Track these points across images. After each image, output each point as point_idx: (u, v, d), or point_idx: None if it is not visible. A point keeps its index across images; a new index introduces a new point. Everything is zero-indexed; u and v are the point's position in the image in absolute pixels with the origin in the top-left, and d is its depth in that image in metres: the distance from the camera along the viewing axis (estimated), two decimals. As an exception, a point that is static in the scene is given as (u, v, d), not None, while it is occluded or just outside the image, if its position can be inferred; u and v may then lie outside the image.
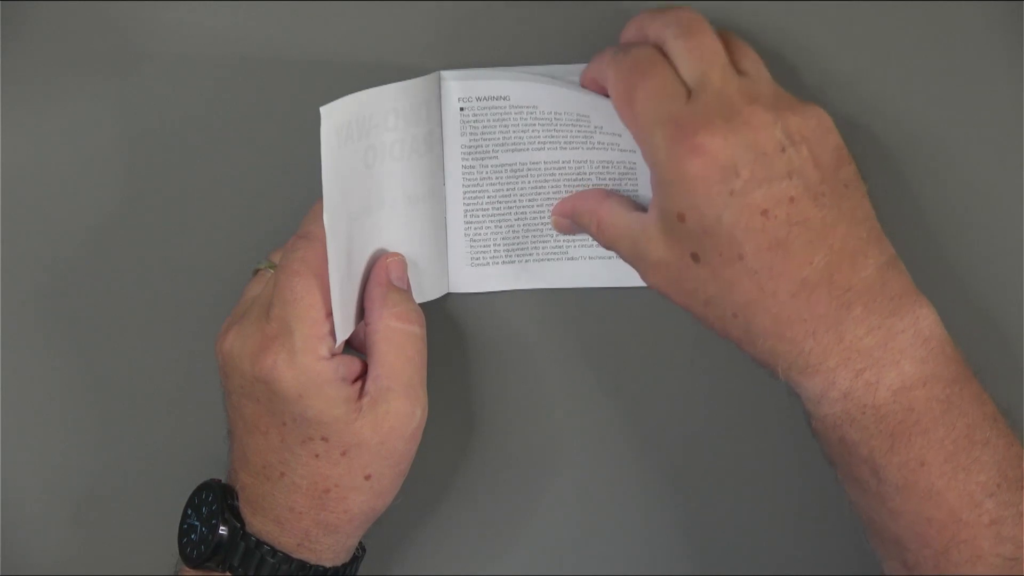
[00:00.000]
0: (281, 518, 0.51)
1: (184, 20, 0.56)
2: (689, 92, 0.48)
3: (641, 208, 0.52)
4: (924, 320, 0.48)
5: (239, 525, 0.52)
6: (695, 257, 0.48)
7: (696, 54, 0.48)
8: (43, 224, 0.58)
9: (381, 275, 0.52)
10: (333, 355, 0.50)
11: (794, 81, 0.56)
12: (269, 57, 0.56)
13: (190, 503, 0.54)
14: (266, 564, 0.51)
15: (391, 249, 0.54)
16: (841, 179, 0.48)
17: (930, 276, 0.56)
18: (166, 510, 0.56)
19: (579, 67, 0.54)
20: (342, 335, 0.51)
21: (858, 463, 0.48)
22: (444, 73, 0.54)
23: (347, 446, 0.50)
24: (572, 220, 0.55)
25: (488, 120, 0.55)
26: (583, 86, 0.53)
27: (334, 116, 0.49)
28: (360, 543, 0.55)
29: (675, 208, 0.47)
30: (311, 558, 0.52)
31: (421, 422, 0.51)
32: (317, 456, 0.50)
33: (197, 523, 0.52)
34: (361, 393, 0.50)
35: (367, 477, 0.51)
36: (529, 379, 0.59)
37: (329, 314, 0.50)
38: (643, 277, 0.51)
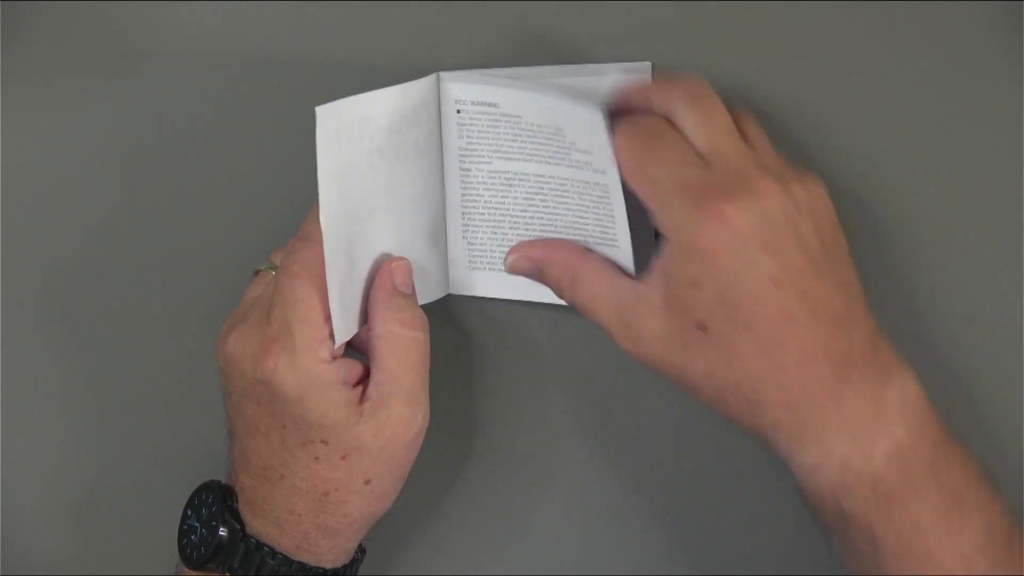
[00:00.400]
0: (280, 520, 0.51)
1: (184, 20, 0.56)
2: (702, 161, 0.48)
3: (626, 274, 0.51)
4: (909, 387, 0.49)
5: (239, 527, 0.52)
6: (702, 327, 0.47)
7: (707, 123, 0.49)
8: (43, 224, 0.58)
9: (385, 280, 0.52)
10: (334, 358, 0.50)
11: (794, 80, 0.56)
12: (269, 58, 0.56)
13: (190, 504, 0.54)
14: (266, 566, 0.51)
15: (395, 251, 0.54)
16: (836, 250, 0.49)
17: (928, 276, 0.57)
18: (166, 510, 0.56)
19: (580, 67, 0.54)
20: (341, 337, 0.50)
21: (856, 533, 0.48)
22: (443, 74, 0.54)
23: (347, 450, 0.50)
24: (537, 267, 0.53)
25: (482, 125, 0.54)
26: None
27: (331, 117, 0.49)
28: (360, 544, 0.55)
29: (690, 275, 0.47)
30: (310, 560, 0.52)
31: (422, 428, 0.51)
32: (317, 459, 0.50)
33: (197, 524, 0.52)
34: (363, 398, 0.50)
35: (367, 482, 0.51)
36: (529, 380, 0.59)
37: (330, 316, 0.50)
38: (628, 347, 0.50)
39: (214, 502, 0.52)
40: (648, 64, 0.55)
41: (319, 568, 0.52)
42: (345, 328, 0.51)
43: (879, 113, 0.56)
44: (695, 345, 0.48)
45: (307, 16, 0.56)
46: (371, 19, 0.56)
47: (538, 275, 0.54)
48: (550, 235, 0.55)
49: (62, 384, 0.59)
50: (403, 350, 0.51)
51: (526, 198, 0.55)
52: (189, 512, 0.53)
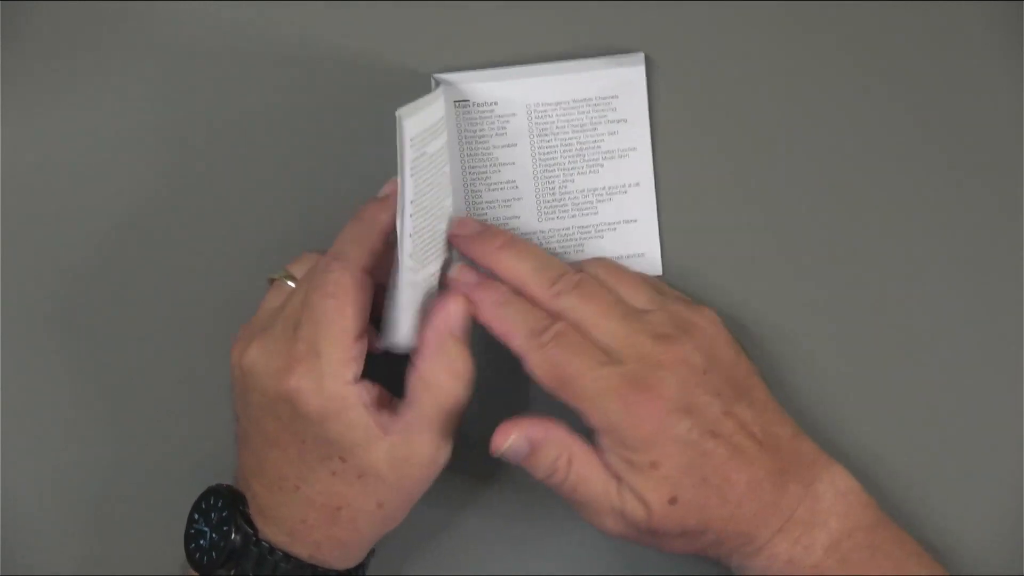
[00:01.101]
0: (293, 530, 0.51)
1: (185, 18, 0.55)
2: (606, 354, 0.51)
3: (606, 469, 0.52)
4: (839, 478, 0.52)
5: (252, 531, 0.52)
6: (673, 500, 0.50)
7: (597, 314, 0.51)
8: (46, 224, 0.58)
9: (440, 323, 0.51)
10: (358, 380, 0.50)
11: (794, 80, 0.56)
12: (275, 55, 0.56)
13: (196, 508, 0.53)
14: (280, 569, 0.51)
15: (439, 265, 0.53)
16: (743, 372, 0.52)
17: (927, 275, 0.57)
18: (168, 512, 0.56)
19: (572, 63, 0.55)
20: (385, 344, 0.51)
21: None
22: (441, 76, 0.55)
23: (363, 471, 0.50)
24: (534, 447, 0.52)
25: (484, 126, 0.55)
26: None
27: (414, 122, 0.48)
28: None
29: (647, 460, 0.50)
30: (321, 566, 0.52)
31: (441, 467, 0.52)
32: (334, 474, 0.50)
33: (206, 528, 0.52)
34: (389, 426, 0.50)
35: (379, 505, 0.51)
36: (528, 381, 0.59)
37: (359, 337, 0.50)
38: (610, 530, 0.52)
39: (224, 507, 0.52)
40: (641, 55, 0.55)
41: (332, 571, 0.52)
42: (391, 339, 0.51)
43: (879, 113, 0.56)
44: (669, 516, 0.50)
45: (309, 13, 0.56)
46: (382, 15, 0.56)
47: (525, 452, 0.53)
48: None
49: (63, 385, 0.59)
50: (442, 396, 0.51)
51: (527, 211, 0.56)
52: (196, 516, 0.53)
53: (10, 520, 0.59)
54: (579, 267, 0.53)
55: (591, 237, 0.57)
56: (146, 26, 0.56)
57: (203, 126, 0.57)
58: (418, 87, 0.55)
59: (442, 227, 0.53)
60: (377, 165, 0.55)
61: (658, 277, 0.57)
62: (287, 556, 0.51)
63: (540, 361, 0.51)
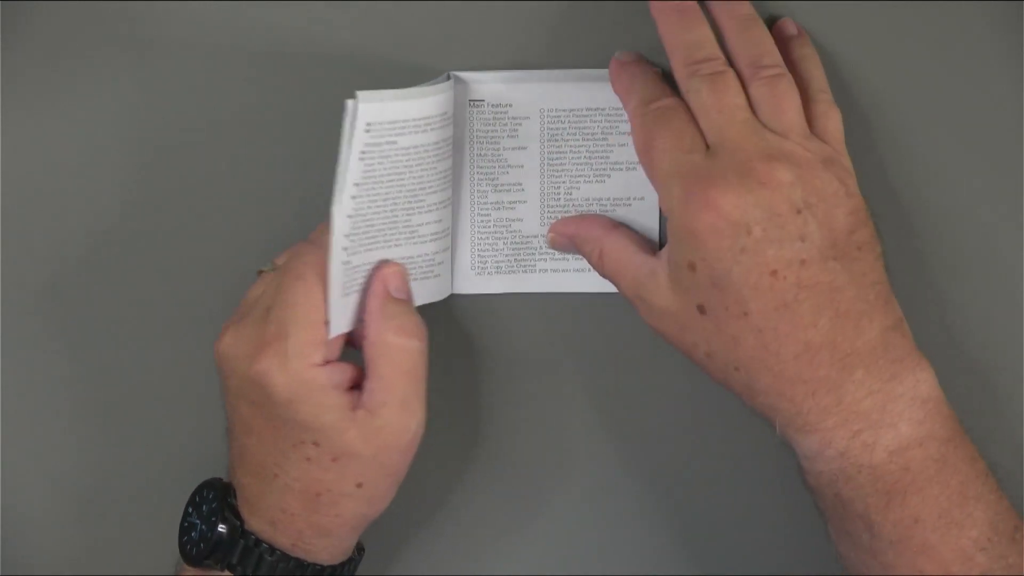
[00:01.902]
0: (275, 519, 0.51)
1: (187, 16, 0.55)
2: (707, 147, 0.49)
3: (647, 248, 0.52)
4: (923, 383, 0.49)
5: (238, 523, 0.52)
6: (701, 309, 0.48)
7: (719, 108, 0.49)
8: (44, 222, 0.58)
9: (378, 287, 0.52)
10: (328, 362, 0.50)
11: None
12: (275, 53, 0.56)
13: (191, 501, 0.54)
14: (264, 563, 0.51)
15: (406, 254, 0.53)
16: (854, 242, 0.48)
17: (928, 276, 0.57)
18: (167, 510, 0.56)
19: (583, 72, 0.55)
20: (335, 331, 0.51)
21: (852, 518, 0.49)
22: (461, 75, 0.54)
23: (338, 453, 0.50)
24: (572, 242, 0.55)
25: (497, 126, 0.55)
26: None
27: (371, 112, 0.49)
28: (359, 543, 0.55)
29: (686, 258, 0.48)
30: (306, 558, 0.52)
31: (417, 434, 0.51)
32: (309, 460, 0.50)
33: (197, 521, 0.53)
34: (356, 404, 0.50)
35: (359, 485, 0.51)
36: (531, 381, 0.59)
37: (310, 321, 0.50)
38: (644, 318, 0.51)
39: (214, 499, 0.52)
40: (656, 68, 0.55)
41: (316, 565, 0.52)
42: (341, 322, 0.51)
43: (879, 113, 0.56)
44: (696, 325, 0.49)
45: (312, 11, 0.56)
46: (383, 13, 0.55)
47: (574, 249, 0.55)
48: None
49: (62, 383, 0.59)
50: (397, 358, 0.50)
51: (537, 201, 0.56)
52: (190, 509, 0.53)
53: (10, 520, 0.59)
54: (756, 62, 0.50)
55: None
56: (146, 26, 0.56)
57: (204, 126, 0.57)
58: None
59: (418, 220, 0.53)
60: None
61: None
62: (271, 548, 0.51)
63: (638, 127, 0.50)
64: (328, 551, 0.52)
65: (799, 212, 0.47)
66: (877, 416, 0.48)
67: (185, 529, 0.53)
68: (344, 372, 0.51)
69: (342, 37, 0.56)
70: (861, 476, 0.48)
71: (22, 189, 0.57)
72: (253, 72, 0.56)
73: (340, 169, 0.49)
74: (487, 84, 0.55)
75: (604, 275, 0.53)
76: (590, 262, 0.54)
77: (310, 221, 0.55)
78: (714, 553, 0.60)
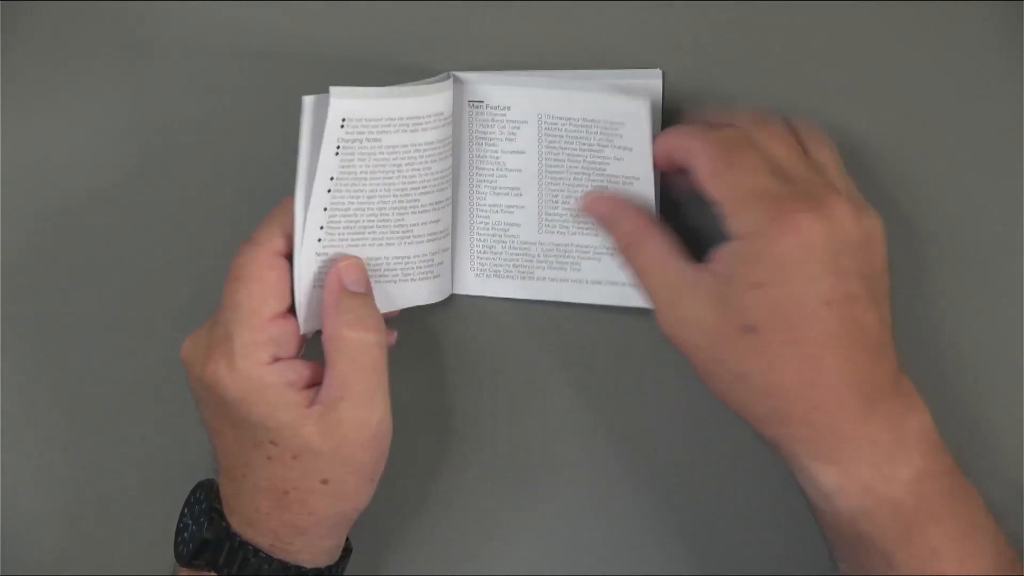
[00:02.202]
0: (251, 518, 0.51)
1: (188, 15, 0.55)
2: (781, 174, 0.49)
3: (686, 256, 0.51)
4: (926, 420, 0.50)
5: (225, 524, 0.52)
6: (748, 328, 0.48)
7: (779, 142, 0.50)
8: (46, 222, 0.58)
9: (333, 281, 0.51)
10: (278, 359, 0.50)
11: (794, 81, 0.56)
12: (275, 52, 0.56)
13: (187, 502, 0.54)
14: (249, 564, 0.51)
15: (400, 254, 0.53)
16: (882, 286, 0.50)
17: (927, 277, 0.56)
18: (165, 510, 0.56)
19: (587, 73, 0.54)
20: (306, 329, 0.51)
21: (872, 556, 0.49)
22: (459, 75, 0.54)
23: (297, 450, 0.50)
24: (601, 222, 0.54)
25: (495, 129, 0.55)
26: (657, 155, 0.53)
27: (345, 108, 0.49)
28: (347, 543, 0.54)
29: (755, 277, 0.48)
30: (286, 559, 0.51)
31: (380, 429, 0.50)
32: (270, 459, 0.50)
33: (190, 521, 0.53)
34: (313, 400, 0.50)
35: (324, 481, 0.50)
36: (528, 383, 0.59)
37: (274, 318, 0.50)
38: (663, 323, 0.50)
39: (204, 499, 0.53)
40: (659, 71, 0.55)
41: (299, 568, 0.52)
42: (310, 322, 0.51)
43: (879, 113, 0.56)
44: (733, 344, 0.48)
45: (312, 11, 0.56)
46: (382, 12, 0.56)
47: (602, 227, 0.54)
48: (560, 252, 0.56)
49: (61, 384, 0.59)
50: (353, 354, 0.50)
51: (536, 205, 0.56)
52: (185, 510, 0.53)
53: (10, 520, 0.59)
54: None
55: (588, 257, 0.56)
56: (146, 26, 0.56)
57: (204, 125, 0.57)
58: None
59: (411, 220, 0.53)
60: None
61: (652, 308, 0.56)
62: (255, 550, 0.51)
63: (707, 146, 0.50)
64: (308, 551, 0.52)
65: (859, 248, 0.49)
66: (895, 449, 0.48)
67: (179, 529, 0.53)
68: (297, 370, 0.51)
69: (342, 37, 0.56)
70: (883, 510, 0.48)
71: (22, 189, 0.57)
72: (253, 72, 0.56)
73: (301, 163, 0.50)
74: (487, 85, 0.54)
75: (628, 264, 0.52)
76: (615, 247, 0.53)
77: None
78: (714, 555, 0.60)
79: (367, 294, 0.52)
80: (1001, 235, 0.56)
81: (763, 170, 0.49)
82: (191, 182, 0.57)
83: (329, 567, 0.53)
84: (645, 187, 0.54)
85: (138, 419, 0.59)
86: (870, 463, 0.48)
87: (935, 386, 0.56)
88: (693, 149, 0.50)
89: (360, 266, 0.52)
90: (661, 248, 0.51)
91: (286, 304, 0.51)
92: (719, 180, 0.49)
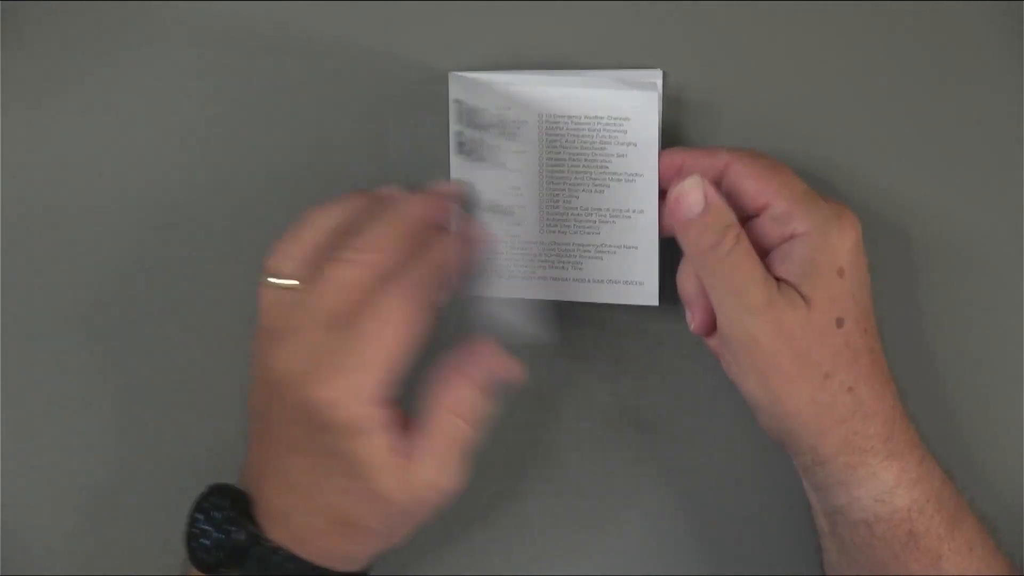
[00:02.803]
0: (298, 536, 0.51)
1: (188, 18, 0.55)
2: None
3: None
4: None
5: (256, 531, 0.51)
6: (840, 322, 0.49)
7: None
8: (47, 223, 0.58)
9: (469, 366, 0.50)
10: (389, 402, 0.49)
11: (793, 81, 0.56)
12: (275, 54, 0.56)
13: (198, 507, 0.52)
14: (284, 569, 0.50)
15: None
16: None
17: (927, 278, 0.57)
18: (166, 510, 0.56)
19: (587, 73, 0.54)
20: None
21: (920, 558, 0.50)
22: (458, 74, 0.54)
23: (375, 494, 0.49)
24: (709, 205, 0.50)
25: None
26: (666, 168, 0.53)
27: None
28: None
29: (838, 263, 0.49)
30: (322, 563, 0.51)
31: (452, 493, 0.50)
32: (346, 492, 0.49)
33: (209, 527, 0.51)
34: (405, 451, 0.49)
35: (386, 526, 0.50)
36: (533, 383, 0.59)
37: (404, 357, 0.48)
38: (754, 327, 0.49)
39: (230, 507, 0.52)
40: (659, 72, 0.55)
41: (337, 572, 0.51)
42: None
43: (879, 113, 0.56)
44: (828, 341, 0.49)
45: (312, 11, 0.56)
46: (383, 12, 0.56)
47: (704, 214, 0.50)
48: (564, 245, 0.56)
49: (62, 383, 0.59)
50: (448, 431, 0.50)
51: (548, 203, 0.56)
52: (199, 515, 0.52)
53: (9, 520, 0.59)
54: None
55: (590, 257, 0.56)
56: (148, 26, 0.56)
57: (206, 125, 0.57)
58: (433, 84, 0.55)
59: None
60: (386, 164, 0.55)
61: (655, 307, 0.56)
62: (292, 556, 0.50)
63: (746, 154, 0.51)
64: (346, 564, 0.52)
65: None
66: (924, 448, 0.51)
67: (194, 535, 0.52)
68: (397, 414, 0.49)
69: (342, 37, 0.56)
70: (930, 504, 0.50)
71: (23, 189, 0.57)
72: (254, 72, 0.56)
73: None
74: (486, 84, 0.54)
75: (719, 265, 0.50)
76: (703, 244, 0.50)
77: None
78: (720, 556, 0.60)
79: (488, 391, 0.50)
80: (1001, 235, 0.56)
81: (799, 178, 0.51)
82: (192, 182, 0.57)
83: (358, 571, 0.53)
84: (649, 184, 0.54)
85: (139, 419, 0.59)
86: (916, 457, 0.50)
87: (933, 386, 0.57)
88: (731, 159, 0.51)
89: (507, 367, 0.51)
90: (751, 249, 0.50)
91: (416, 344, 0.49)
92: (771, 182, 0.50)
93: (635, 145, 0.54)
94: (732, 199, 0.50)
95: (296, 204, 0.57)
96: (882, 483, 0.50)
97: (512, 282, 0.57)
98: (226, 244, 0.58)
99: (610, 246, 0.55)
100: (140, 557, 0.59)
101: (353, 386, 0.47)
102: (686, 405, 0.59)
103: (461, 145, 0.54)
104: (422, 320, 0.48)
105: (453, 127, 0.54)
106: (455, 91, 0.54)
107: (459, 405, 0.50)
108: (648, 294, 0.56)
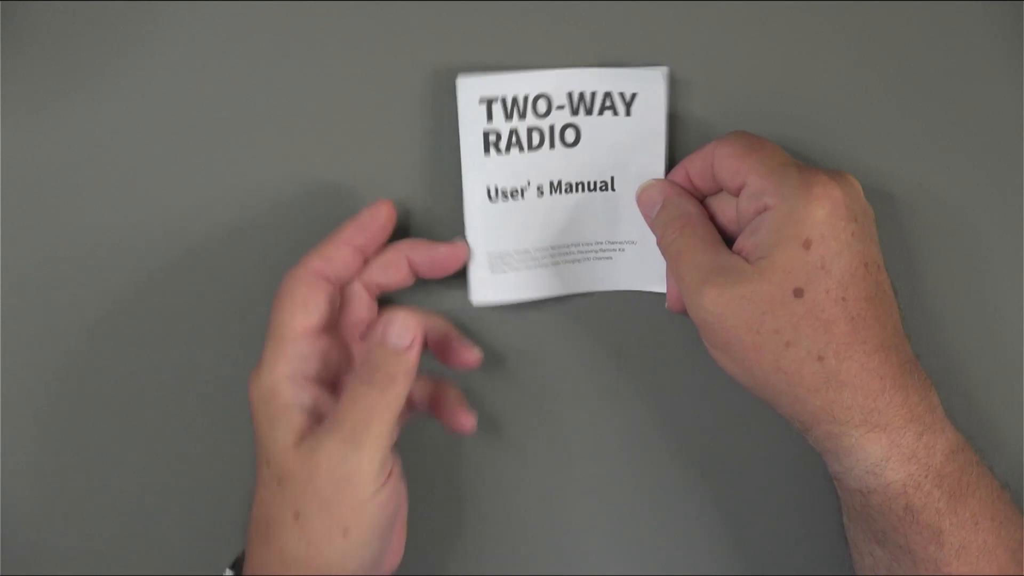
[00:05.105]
0: (249, 560, 0.51)
1: (189, 18, 0.55)
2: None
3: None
4: (938, 397, 0.51)
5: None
6: (798, 292, 0.48)
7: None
8: (47, 224, 0.57)
9: (376, 333, 0.50)
10: (303, 378, 0.50)
11: (793, 81, 0.56)
12: (277, 52, 0.56)
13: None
14: None
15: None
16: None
17: (927, 277, 0.57)
18: (166, 511, 0.56)
19: (592, 71, 0.54)
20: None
21: (922, 532, 0.49)
22: (463, 76, 0.54)
23: (283, 474, 0.49)
24: (651, 206, 0.54)
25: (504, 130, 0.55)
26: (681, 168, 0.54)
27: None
28: None
29: (803, 235, 0.48)
30: None
31: (360, 470, 0.48)
32: (264, 484, 0.49)
33: None
34: (312, 429, 0.49)
35: (296, 515, 0.48)
36: (537, 383, 0.59)
37: (304, 333, 0.50)
38: (706, 303, 0.49)
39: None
40: (665, 69, 0.54)
41: None
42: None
43: (879, 113, 0.56)
44: (786, 310, 0.48)
45: (312, 11, 0.56)
46: (382, 12, 0.55)
47: (651, 211, 0.54)
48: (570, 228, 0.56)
49: (62, 384, 0.59)
50: (354, 398, 0.49)
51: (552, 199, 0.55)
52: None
53: (9, 520, 0.59)
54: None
55: (602, 250, 0.56)
56: (149, 26, 0.55)
57: (207, 126, 0.57)
58: (440, 88, 0.55)
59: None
60: (395, 166, 0.55)
61: (659, 307, 0.57)
62: None
63: (729, 140, 0.51)
64: None
65: (869, 219, 0.50)
66: (930, 420, 0.49)
67: None
68: (315, 396, 0.50)
69: (343, 36, 0.56)
70: (928, 480, 0.49)
71: (22, 190, 0.57)
72: (254, 72, 0.56)
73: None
74: (496, 86, 0.54)
75: (673, 245, 0.52)
76: (662, 228, 0.53)
77: (314, 220, 0.55)
78: (730, 553, 0.60)
79: (411, 349, 0.50)
80: (1001, 235, 0.56)
81: (781, 151, 0.51)
82: (196, 184, 0.57)
83: None
84: (655, 171, 0.55)
85: (139, 419, 0.59)
86: (913, 431, 0.49)
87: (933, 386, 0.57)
88: (715, 146, 0.52)
89: (410, 322, 0.50)
90: (708, 229, 0.52)
91: (316, 320, 0.51)
92: (747, 160, 0.50)
93: (639, 133, 0.54)
94: (719, 182, 0.52)
95: (297, 207, 0.57)
96: (869, 455, 0.49)
97: (522, 274, 0.56)
98: (226, 246, 0.58)
99: (619, 240, 0.56)
100: (141, 557, 0.59)
101: (258, 366, 0.50)
102: (689, 401, 0.59)
103: (489, 144, 0.54)
104: (296, 294, 0.51)
105: (479, 127, 0.54)
106: (474, 92, 0.53)
107: (362, 369, 0.50)
108: (659, 279, 0.56)
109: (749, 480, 0.59)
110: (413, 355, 0.50)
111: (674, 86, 0.55)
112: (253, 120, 0.56)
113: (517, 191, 0.55)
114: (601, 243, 0.56)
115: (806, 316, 0.48)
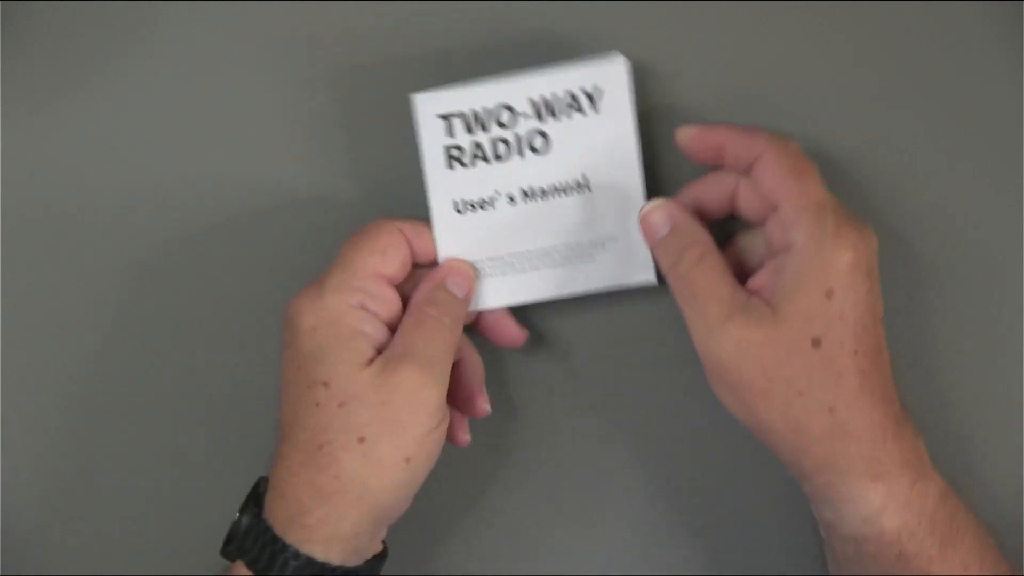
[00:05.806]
0: (281, 485, 0.50)
1: (189, 18, 0.55)
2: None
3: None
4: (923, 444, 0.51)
5: (257, 510, 0.51)
6: (816, 342, 0.48)
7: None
8: (47, 225, 0.58)
9: (437, 276, 0.52)
10: (365, 309, 0.50)
11: (793, 80, 0.56)
12: (277, 52, 0.56)
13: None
14: (277, 559, 0.49)
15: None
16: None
17: (927, 277, 0.57)
18: (166, 510, 0.56)
19: (550, 69, 0.53)
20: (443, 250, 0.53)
21: None
22: (421, 95, 0.54)
23: (346, 397, 0.48)
24: (674, 228, 0.52)
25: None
26: (700, 141, 0.52)
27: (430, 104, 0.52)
28: (383, 546, 0.53)
29: (826, 284, 0.48)
30: (302, 537, 0.49)
31: (432, 401, 0.49)
32: (318, 404, 0.49)
33: (238, 514, 0.52)
34: (376, 357, 0.50)
35: (361, 439, 0.48)
36: (538, 383, 0.59)
37: (374, 274, 0.50)
38: (716, 345, 0.49)
39: (252, 489, 0.52)
40: (621, 58, 0.53)
41: (328, 564, 0.49)
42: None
43: (879, 113, 0.56)
44: (801, 360, 0.48)
45: (312, 12, 0.56)
46: (383, 12, 0.55)
47: (657, 237, 0.52)
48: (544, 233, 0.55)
49: (63, 383, 0.59)
50: (426, 326, 0.50)
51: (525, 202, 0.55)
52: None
53: (9, 520, 0.59)
54: None
55: (586, 244, 0.56)
56: (149, 26, 0.55)
57: (207, 126, 0.57)
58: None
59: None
60: (399, 164, 0.55)
61: (653, 306, 0.57)
62: (285, 545, 0.49)
63: (782, 149, 0.49)
64: (323, 530, 0.49)
65: (876, 273, 0.49)
66: (920, 467, 0.49)
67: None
68: (377, 327, 0.50)
69: (342, 37, 0.56)
70: (922, 527, 0.49)
71: (23, 192, 0.57)
72: (255, 72, 0.56)
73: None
74: (454, 100, 0.53)
75: (684, 279, 0.50)
76: (673, 259, 0.51)
77: (314, 220, 0.55)
78: (719, 556, 0.60)
79: (464, 299, 0.53)
80: (1001, 236, 0.56)
81: (823, 184, 0.49)
82: (196, 185, 0.57)
83: (357, 568, 0.50)
84: (629, 164, 0.54)
85: (140, 419, 0.59)
86: (907, 479, 0.49)
87: (933, 386, 0.57)
88: (765, 149, 0.50)
89: (469, 275, 0.53)
90: (724, 261, 0.51)
91: (391, 270, 0.51)
92: (792, 185, 0.49)
93: (610, 123, 0.53)
94: (755, 189, 0.51)
95: (298, 207, 0.57)
96: (868, 504, 0.49)
97: (506, 279, 0.56)
98: (227, 244, 0.58)
99: (605, 231, 0.55)
100: (141, 557, 0.59)
101: (316, 289, 0.50)
102: (684, 402, 0.59)
103: (452, 159, 0.54)
104: (375, 237, 0.51)
105: (439, 143, 0.53)
106: (432, 108, 0.53)
107: (426, 297, 0.51)
108: (645, 270, 0.54)
109: (749, 480, 0.59)
110: (467, 305, 0.53)
111: (641, 75, 0.55)
112: (253, 120, 0.56)
113: (486, 201, 0.55)
114: (582, 243, 0.55)
115: (820, 366, 0.48)
